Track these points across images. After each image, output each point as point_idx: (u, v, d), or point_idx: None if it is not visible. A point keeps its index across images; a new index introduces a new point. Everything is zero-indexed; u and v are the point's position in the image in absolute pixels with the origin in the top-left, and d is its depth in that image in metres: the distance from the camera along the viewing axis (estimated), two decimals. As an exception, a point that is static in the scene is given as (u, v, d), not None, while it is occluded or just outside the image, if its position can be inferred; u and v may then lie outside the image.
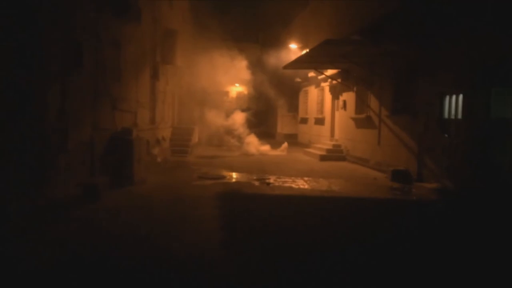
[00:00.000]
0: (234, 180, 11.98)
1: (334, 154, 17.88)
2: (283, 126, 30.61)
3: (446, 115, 11.01)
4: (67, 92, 7.58)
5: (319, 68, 17.47)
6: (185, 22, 20.59)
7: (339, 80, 17.85)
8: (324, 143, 19.58)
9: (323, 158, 17.68)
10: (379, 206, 9.31)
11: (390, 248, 6.17)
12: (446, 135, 10.91)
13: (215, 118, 24.35)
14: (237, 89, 32.64)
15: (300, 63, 15.79)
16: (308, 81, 23.64)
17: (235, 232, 6.67)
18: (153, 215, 7.57)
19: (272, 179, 12.06)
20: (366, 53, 13.36)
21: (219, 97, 26.34)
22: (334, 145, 18.51)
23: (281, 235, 6.56)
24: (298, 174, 13.24)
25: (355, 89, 16.87)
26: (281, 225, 7.12)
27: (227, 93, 33.15)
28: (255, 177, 12.44)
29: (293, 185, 11.20)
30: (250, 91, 28.73)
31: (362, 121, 16.02)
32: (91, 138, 8.89)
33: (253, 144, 20.45)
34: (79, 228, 6.59)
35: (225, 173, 13.21)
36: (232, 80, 28.40)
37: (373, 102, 15.16)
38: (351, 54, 13.51)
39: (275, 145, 21.95)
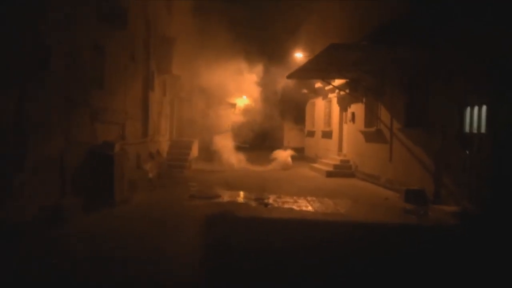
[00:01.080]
0: (229, 199, 10.81)
1: (342, 170, 16.66)
2: (289, 139, 29.50)
3: (467, 128, 9.79)
4: (27, 99, 6.52)
5: (326, 78, 16.33)
6: (187, 30, 19.61)
7: (347, 90, 16.70)
8: (332, 158, 18.37)
9: (330, 174, 16.47)
10: (391, 233, 8.07)
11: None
12: (467, 151, 9.67)
13: (217, 131, 23.35)
14: (244, 101, 31.69)
15: (305, 71, 14.68)
16: (315, 93, 22.49)
17: (214, 274, 5.48)
18: (123, 245, 6.41)
19: (271, 199, 10.88)
20: (375, 60, 12.23)
21: (224, 109, 25.39)
22: (342, 161, 17.28)
23: (273, 279, 5.37)
24: (301, 193, 12.04)
25: (364, 100, 15.70)
26: (275, 264, 5.92)
27: (234, 105, 32.25)
28: (253, 197, 11.27)
29: (294, 207, 10.01)
30: (257, 103, 28.05)
31: (372, 135, 14.81)
32: (61, 152, 7.81)
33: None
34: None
35: (222, 191, 12.05)
36: (238, 92, 27.54)
37: (384, 114, 13.97)
38: (359, 62, 12.40)
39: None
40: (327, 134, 20.34)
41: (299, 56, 22.01)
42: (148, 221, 8.03)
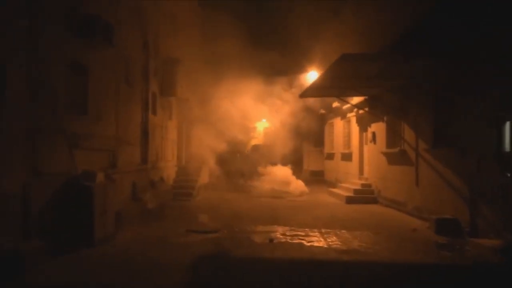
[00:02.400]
0: (231, 233, 9.46)
1: (363, 196, 15.15)
2: (309, 162, 28.06)
3: (507, 147, 8.29)
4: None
5: (342, 96, 15.00)
6: (195, 51, 18.68)
7: (367, 109, 15.31)
8: (352, 182, 16.87)
9: (349, 200, 14.97)
10: (423, 277, 6.58)
11: None
12: (508, 174, 8.15)
13: (231, 156, 22.25)
14: (264, 125, 30.55)
15: (318, 89, 13.38)
16: (333, 112, 21.15)
17: None
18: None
19: (279, 232, 9.51)
20: (395, 73, 10.86)
21: (242, 133, 24.27)
22: (363, 185, 15.77)
23: None
24: (316, 224, 10.62)
25: (385, 118, 14.28)
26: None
27: (253, 129, 31.14)
28: (259, 229, 9.94)
29: (305, 242, 8.59)
30: (276, 126, 27.37)
31: (395, 156, 13.32)
32: (25, 187, 6.69)
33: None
34: None
35: (225, 223, 10.73)
36: (255, 114, 26.56)
37: (408, 134, 12.51)
38: (377, 76, 11.06)
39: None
40: (347, 156, 18.88)
41: (314, 74, 20.76)
42: (127, 267, 6.76)
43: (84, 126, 8.70)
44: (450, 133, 10.29)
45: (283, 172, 18.84)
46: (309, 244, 8.42)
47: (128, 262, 7.04)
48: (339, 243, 8.53)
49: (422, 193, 11.51)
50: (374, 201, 14.90)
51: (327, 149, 23.71)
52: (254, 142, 30.84)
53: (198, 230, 9.65)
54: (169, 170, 15.82)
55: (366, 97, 15.06)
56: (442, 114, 10.72)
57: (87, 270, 6.53)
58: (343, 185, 17.15)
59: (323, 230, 9.81)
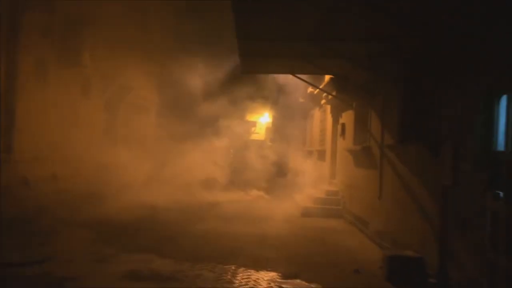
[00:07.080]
0: (56, 269, 5.98)
1: (325, 207, 11.60)
2: (294, 163, 24.35)
3: (498, 145, 4.66)
4: None
5: (298, 72, 11.06)
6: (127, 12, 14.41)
7: (334, 92, 11.64)
8: (319, 188, 13.26)
9: (305, 213, 11.49)
10: None
11: None
12: (500, 193, 4.44)
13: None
14: (266, 120, 27.38)
15: (263, 59, 9.48)
16: (312, 101, 17.34)
17: None
18: None
19: (130, 271, 6.02)
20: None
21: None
22: (328, 192, 12.20)
23: None
24: (224, 254, 7.17)
25: (354, 105, 10.65)
26: None
27: (254, 123, 28.14)
28: (111, 262, 6.48)
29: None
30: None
31: (361, 156, 9.70)
32: None
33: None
34: None
35: (84, 246, 7.34)
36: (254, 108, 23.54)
37: (375, 124, 8.88)
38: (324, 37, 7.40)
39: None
40: (321, 155, 15.22)
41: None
42: None
43: None
44: (424, 123, 6.66)
45: None
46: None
47: None
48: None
49: (384, 209, 7.90)
50: (339, 215, 11.33)
51: (307, 146, 19.97)
52: (254, 138, 27.91)
53: (19, 261, 6.22)
54: (82, 163, 12.39)
55: (332, 75, 11.26)
56: (414, 98, 7.07)
57: None
58: (309, 191, 13.53)
59: (216, 270, 6.25)
